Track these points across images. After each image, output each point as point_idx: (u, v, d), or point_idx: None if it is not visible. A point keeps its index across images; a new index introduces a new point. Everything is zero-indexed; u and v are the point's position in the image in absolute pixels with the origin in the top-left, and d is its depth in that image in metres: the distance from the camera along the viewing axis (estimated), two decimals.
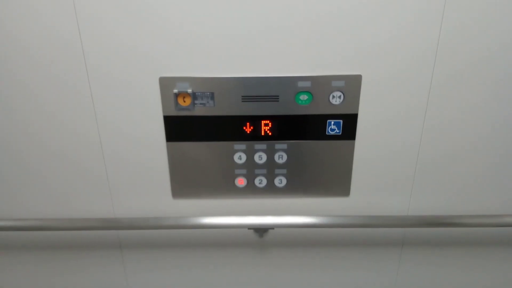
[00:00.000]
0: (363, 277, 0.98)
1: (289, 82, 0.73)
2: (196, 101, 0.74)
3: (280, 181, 0.83)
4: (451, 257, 0.95)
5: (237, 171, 0.82)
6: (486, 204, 0.87)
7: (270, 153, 0.80)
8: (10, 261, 0.95)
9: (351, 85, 0.73)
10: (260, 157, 0.80)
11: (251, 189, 0.84)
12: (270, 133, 0.78)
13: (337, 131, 0.78)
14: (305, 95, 0.74)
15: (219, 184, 0.84)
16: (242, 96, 0.74)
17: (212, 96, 0.74)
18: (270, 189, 0.84)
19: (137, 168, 0.82)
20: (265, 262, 0.96)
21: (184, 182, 0.83)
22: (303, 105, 0.75)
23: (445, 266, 0.96)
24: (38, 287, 0.98)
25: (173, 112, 0.75)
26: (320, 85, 0.73)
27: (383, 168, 0.83)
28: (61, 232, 0.90)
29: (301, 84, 0.73)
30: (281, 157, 0.80)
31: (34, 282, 0.97)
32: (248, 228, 0.87)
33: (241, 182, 0.83)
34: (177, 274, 0.97)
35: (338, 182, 0.84)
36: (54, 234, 0.90)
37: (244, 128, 0.77)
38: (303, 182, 0.83)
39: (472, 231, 0.91)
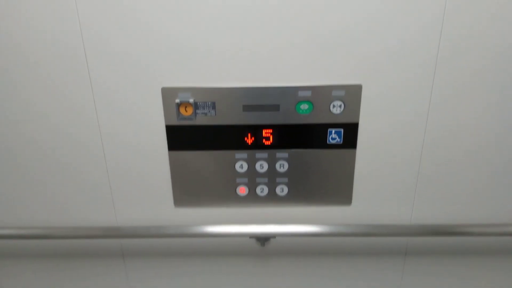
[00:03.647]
0: (366, 287, 0.97)
1: (289, 91, 0.73)
2: (197, 111, 0.75)
3: (282, 190, 0.83)
4: (455, 267, 0.94)
5: (238, 180, 0.82)
6: (490, 213, 0.86)
7: (271, 162, 0.80)
8: (13, 269, 0.95)
9: (352, 94, 0.74)
10: (262, 166, 0.81)
11: (252, 198, 0.84)
12: (271, 142, 0.78)
13: (338, 140, 0.78)
14: (306, 105, 0.74)
15: (220, 192, 0.84)
16: (243, 106, 0.74)
17: (213, 105, 0.74)
18: (272, 198, 0.84)
19: (139, 177, 0.83)
20: (267, 271, 0.96)
21: (186, 191, 0.83)
22: (304, 114, 0.75)
23: (449, 275, 0.95)
24: None
25: (175, 122, 0.76)
26: (320, 94, 0.74)
27: (385, 177, 0.83)
28: (64, 240, 0.90)
29: (301, 93, 0.73)
30: (282, 166, 0.81)
31: None
32: (250, 237, 0.87)
33: (242, 191, 0.83)
34: (179, 283, 0.97)
35: (339, 191, 0.84)
36: (56, 243, 0.91)
37: (245, 137, 0.77)
38: (304, 191, 0.83)
39: (476, 240, 0.90)
